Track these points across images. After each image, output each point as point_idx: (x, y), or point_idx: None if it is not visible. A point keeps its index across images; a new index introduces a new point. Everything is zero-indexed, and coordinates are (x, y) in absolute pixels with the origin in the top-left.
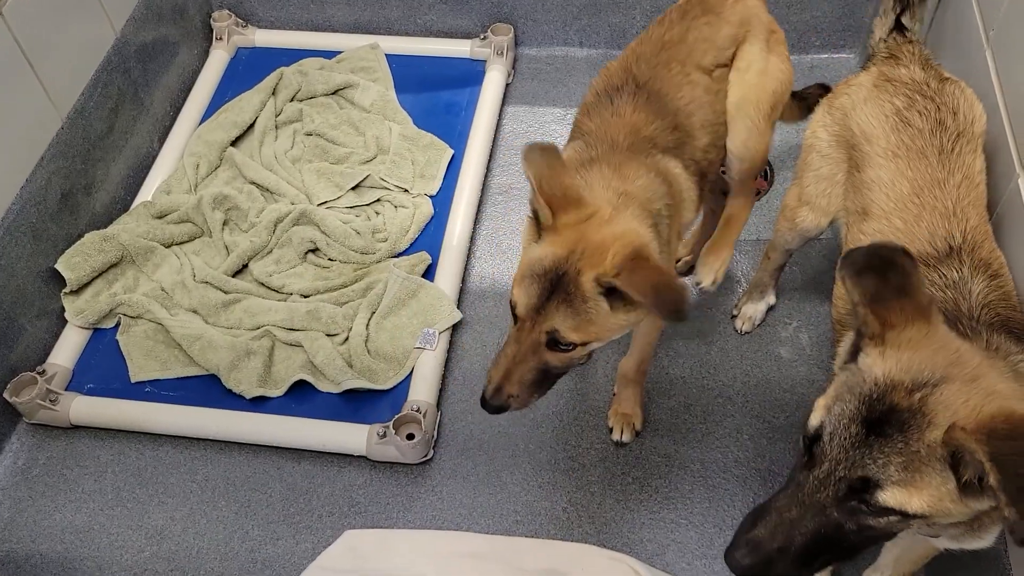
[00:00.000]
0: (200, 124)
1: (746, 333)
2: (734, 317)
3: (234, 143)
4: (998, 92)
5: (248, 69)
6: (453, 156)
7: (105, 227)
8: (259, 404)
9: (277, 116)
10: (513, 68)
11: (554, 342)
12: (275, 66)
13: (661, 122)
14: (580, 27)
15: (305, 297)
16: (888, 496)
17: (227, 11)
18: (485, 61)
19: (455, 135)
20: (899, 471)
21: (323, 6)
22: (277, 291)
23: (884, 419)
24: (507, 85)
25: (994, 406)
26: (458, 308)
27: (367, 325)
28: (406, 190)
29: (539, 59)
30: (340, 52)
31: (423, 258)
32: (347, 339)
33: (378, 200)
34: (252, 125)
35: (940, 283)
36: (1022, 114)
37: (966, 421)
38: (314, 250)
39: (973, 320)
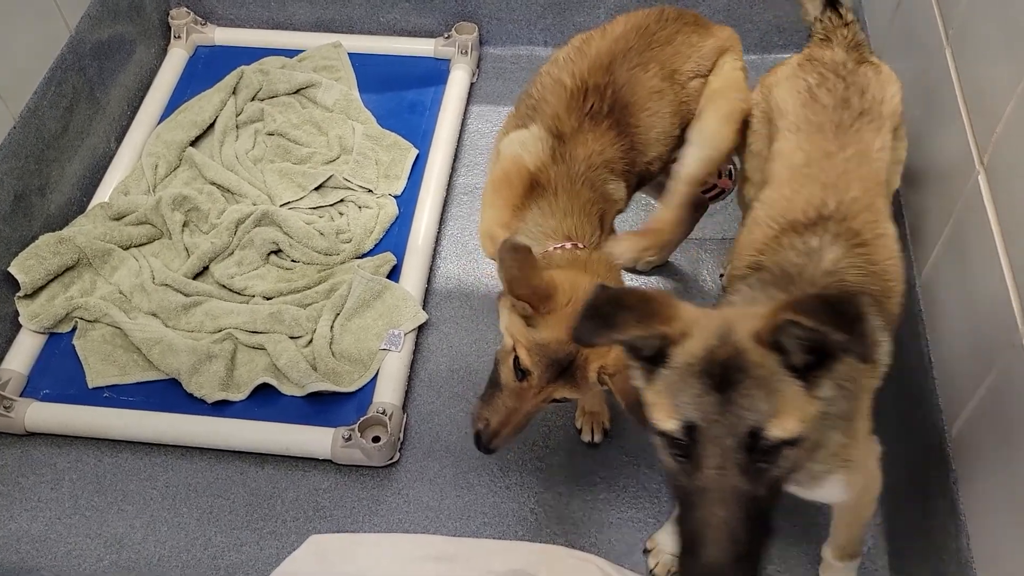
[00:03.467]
0: (159, 124)
1: None
2: None
3: (194, 143)
4: (957, 90)
5: (208, 68)
6: (418, 156)
7: (60, 229)
8: (221, 408)
9: (238, 116)
10: (478, 67)
11: (552, 401)
12: (235, 65)
13: (620, 143)
14: (545, 26)
15: (268, 299)
16: (776, 430)
17: (185, 9)
18: (449, 60)
19: (419, 135)
20: (766, 402)
21: (284, 4)
22: (239, 293)
23: (725, 376)
24: (472, 84)
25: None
26: (424, 309)
27: (331, 327)
28: (370, 190)
29: (504, 58)
30: (302, 51)
31: (388, 259)
32: (311, 341)
33: (342, 201)
34: (212, 125)
35: (799, 249)
36: (980, 111)
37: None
38: (276, 251)
39: (812, 286)
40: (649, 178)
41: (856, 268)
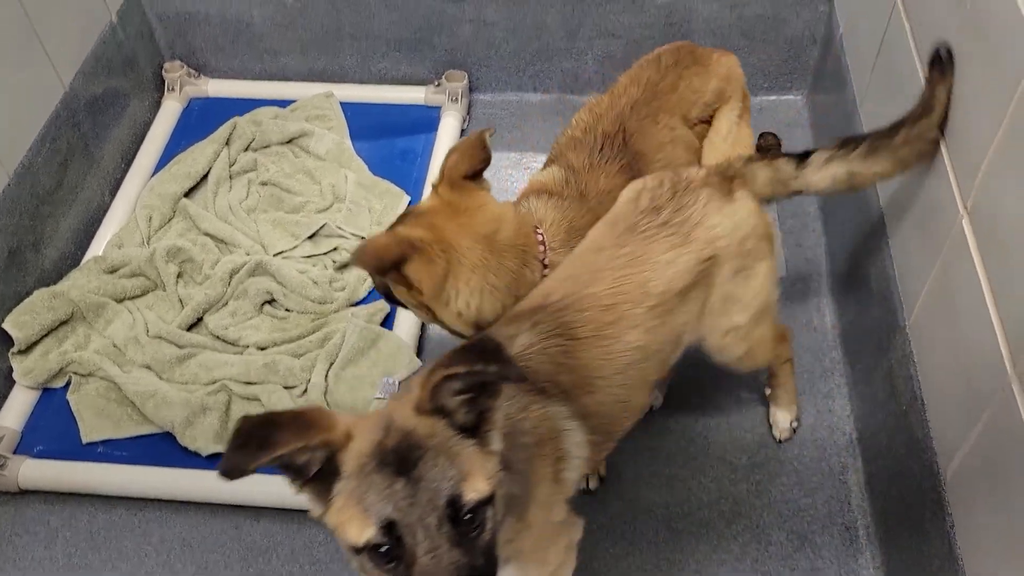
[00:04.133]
0: (152, 176)
1: None
2: None
3: (187, 194)
4: (940, 136)
5: (201, 119)
6: (410, 203)
7: (55, 284)
8: (216, 461)
9: (231, 166)
10: (468, 114)
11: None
12: (229, 116)
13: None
14: (533, 72)
15: (262, 349)
16: (471, 492)
17: (179, 62)
18: (440, 108)
19: (411, 182)
20: (452, 468)
21: (277, 56)
22: (233, 344)
23: (402, 460)
24: (462, 131)
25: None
26: (419, 356)
27: (326, 376)
28: (363, 238)
29: (494, 104)
30: (294, 101)
31: (381, 307)
32: (306, 391)
33: (335, 249)
34: (206, 176)
35: (502, 333)
36: (961, 157)
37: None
38: (270, 301)
39: None
40: None
41: (545, 356)
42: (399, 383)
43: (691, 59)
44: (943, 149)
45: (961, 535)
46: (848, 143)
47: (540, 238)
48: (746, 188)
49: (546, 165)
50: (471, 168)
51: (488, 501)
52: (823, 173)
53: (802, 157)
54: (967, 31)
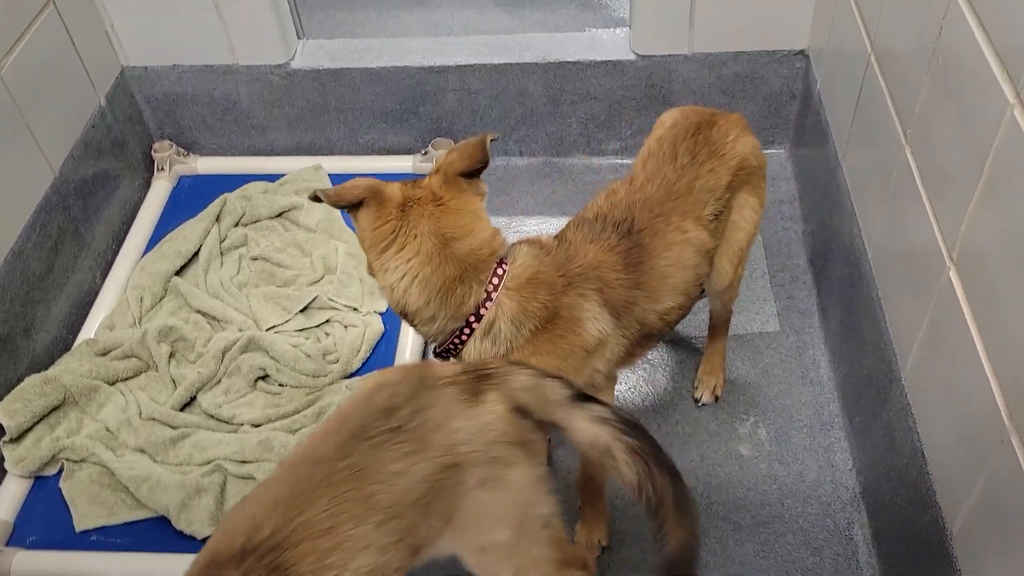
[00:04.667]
0: (143, 256)
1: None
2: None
3: (179, 272)
4: (921, 188)
5: (191, 197)
6: None
7: (46, 369)
8: None
9: (222, 242)
10: None
11: None
12: (218, 192)
13: (625, 277)
14: (519, 137)
15: (256, 427)
16: None
17: (168, 141)
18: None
19: None
20: None
21: (265, 132)
22: (227, 422)
23: None
24: None
25: None
26: None
27: None
28: (355, 308)
29: None
30: (283, 175)
31: None
32: None
33: (327, 321)
34: (197, 253)
35: None
36: (944, 209)
37: None
38: (264, 377)
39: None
40: (658, 334)
41: None
42: None
43: (707, 152)
44: (925, 201)
45: None
46: (635, 438)
47: (499, 271)
48: (499, 391)
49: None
50: (468, 166)
51: None
52: (589, 428)
53: (583, 397)
54: (940, 86)
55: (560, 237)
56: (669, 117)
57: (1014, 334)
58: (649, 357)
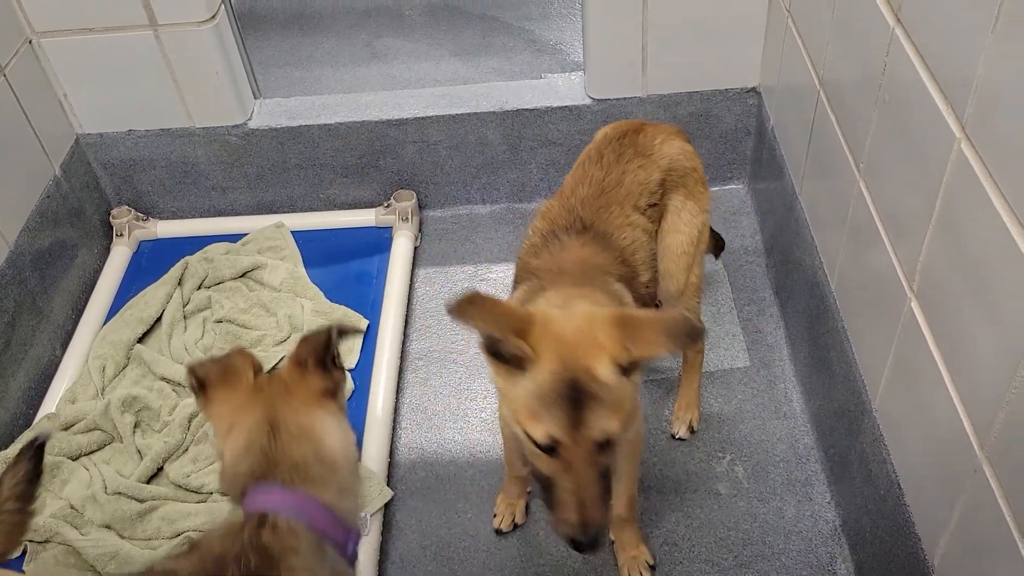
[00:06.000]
0: (104, 324)
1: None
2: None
3: (141, 339)
4: (878, 222)
5: (152, 262)
6: (368, 326)
7: (6, 448)
8: None
9: (185, 306)
10: (420, 231)
11: (604, 442)
12: (179, 256)
13: (610, 255)
14: (480, 185)
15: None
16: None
17: (126, 207)
18: (391, 228)
19: (368, 304)
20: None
21: (224, 192)
22: (196, 492)
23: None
24: (415, 249)
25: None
26: (388, 483)
27: None
28: None
29: (444, 219)
30: (245, 234)
31: None
32: None
33: None
34: (159, 319)
35: None
36: (901, 242)
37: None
38: None
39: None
40: (649, 305)
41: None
42: (370, 517)
43: (632, 152)
44: (882, 233)
45: None
46: None
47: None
48: None
49: (515, 285)
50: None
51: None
52: None
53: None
54: (888, 120)
55: (530, 272)
56: (600, 132)
57: (977, 363)
58: None
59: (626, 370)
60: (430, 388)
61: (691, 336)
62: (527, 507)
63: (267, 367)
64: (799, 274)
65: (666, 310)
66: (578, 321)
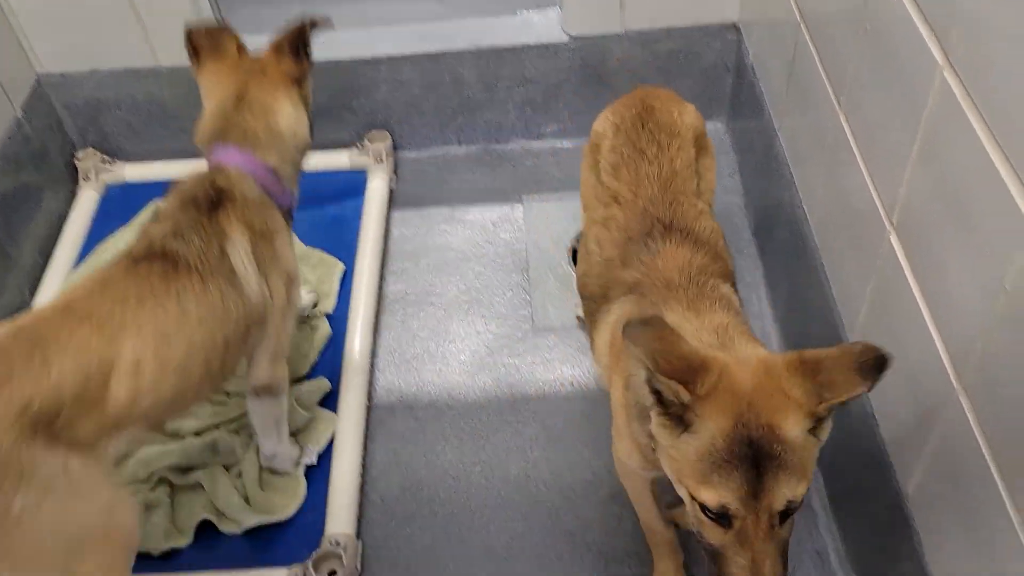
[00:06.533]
0: (73, 269)
1: None
2: None
3: None
4: (857, 154)
5: (120, 206)
6: (345, 270)
7: None
8: (168, 562)
9: None
10: (395, 173)
11: (786, 513)
12: (148, 200)
13: (704, 253)
14: (457, 126)
15: (199, 435)
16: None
17: (92, 149)
18: (366, 170)
19: (344, 248)
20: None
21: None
22: (171, 436)
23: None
24: (391, 191)
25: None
26: (367, 426)
27: (258, 454)
28: (302, 313)
29: (420, 160)
30: None
31: (320, 385)
32: (240, 474)
33: None
34: None
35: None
36: (882, 175)
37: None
38: None
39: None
40: None
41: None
42: (315, 449)
43: (666, 135)
44: (862, 167)
45: (930, 551)
46: None
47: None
48: None
49: (596, 303)
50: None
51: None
52: None
53: None
54: (870, 51)
55: (627, 287)
56: (605, 126)
57: (956, 295)
58: None
59: (816, 424)
60: (408, 330)
61: (881, 366)
62: None
63: None
64: (778, 211)
65: (845, 344)
66: (755, 368)
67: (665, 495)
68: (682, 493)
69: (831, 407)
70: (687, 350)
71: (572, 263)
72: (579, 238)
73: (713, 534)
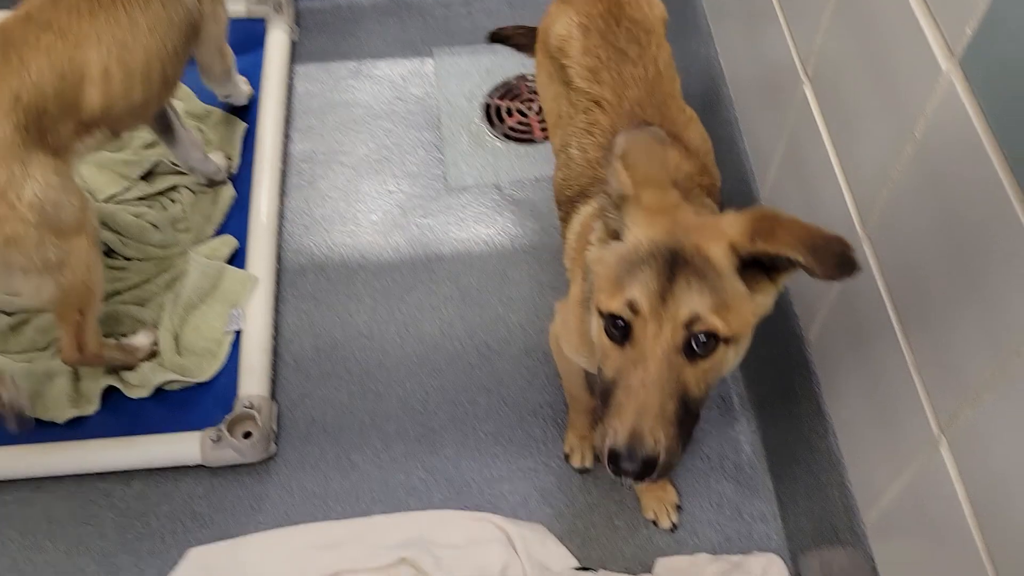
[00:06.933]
0: None
1: None
2: None
3: None
4: (776, 4)
5: None
6: (247, 128)
7: None
8: (74, 429)
9: None
10: (297, 24)
11: (691, 347)
12: None
13: (694, 161)
14: None
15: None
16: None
17: None
18: (265, 19)
19: (245, 105)
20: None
21: None
22: None
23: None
24: (293, 43)
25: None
26: (278, 288)
27: (173, 321)
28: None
29: (323, 11)
30: None
31: (228, 241)
32: (156, 342)
33: (174, 188)
34: None
35: None
36: (798, 22)
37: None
38: (107, 252)
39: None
40: None
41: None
42: (242, 312)
43: (644, 32)
44: (780, 16)
45: (827, 394)
46: None
47: None
48: None
49: (569, 209)
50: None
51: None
52: None
53: None
54: None
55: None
56: (569, 27)
57: (866, 144)
58: None
59: (746, 266)
60: (316, 191)
61: (843, 265)
62: None
63: (139, 173)
64: (694, 65)
65: (822, 228)
66: (709, 218)
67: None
68: (595, 328)
69: (755, 252)
70: (661, 167)
71: (487, 119)
72: (493, 94)
73: (611, 362)
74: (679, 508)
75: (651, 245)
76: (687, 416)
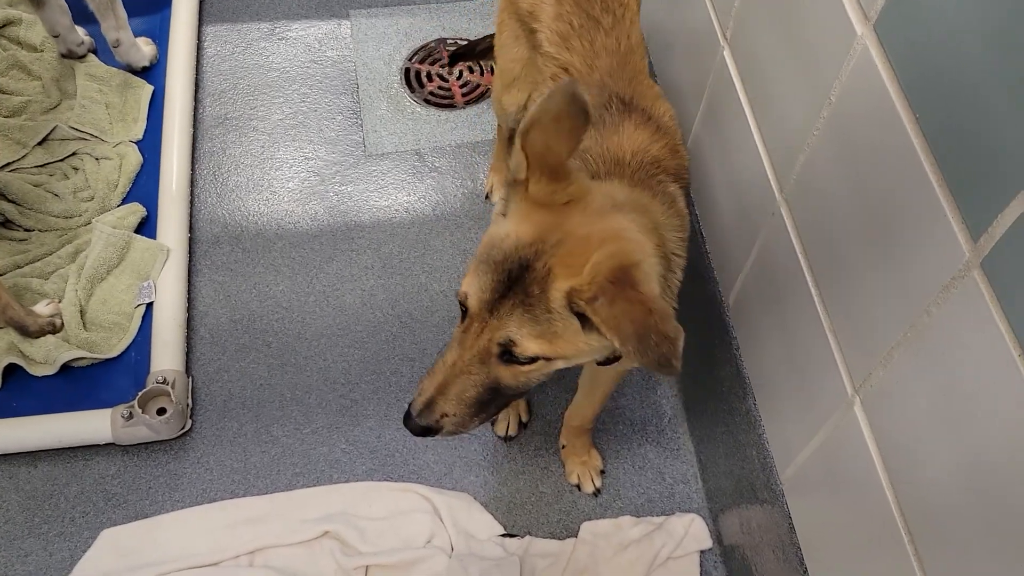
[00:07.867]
0: None
1: None
2: None
3: None
4: None
5: None
6: (154, 92)
7: None
8: None
9: None
10: None
11: (508, 354)
12: None
13: (663, 142)
14: None
15: (1, 275)
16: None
17: None
18: None
19: (152, 67)
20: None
21: None
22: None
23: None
24: (201, 2)
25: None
26: (191, 259)
27: (79, 294)
28: (101, 139)
29: None
30: None
31: (135, 209)
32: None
33: (75, 154)
34: None
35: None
36: None
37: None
38: (4, 223)
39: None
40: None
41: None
42: (154, 284)
43: (620, 5)
44: None
45: (746, 356)
46: None
47: None
48: None
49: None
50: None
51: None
52: None
53: None
54: None
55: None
56: None
57: (784, 108)
58: None
59: (581, 316)
60: (229, 158)
61: (662, 367)
62: None
63: (36, 139)
64: None
65: (671, 317)
66: (597, 227)
67: None
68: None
69: (583, 313)
70: (559, 150)
71: (406, 84)
72: (413, 57)
73: (456, 331)
74: (602, 473)
75: (512, 246)
76: (494, 398)
